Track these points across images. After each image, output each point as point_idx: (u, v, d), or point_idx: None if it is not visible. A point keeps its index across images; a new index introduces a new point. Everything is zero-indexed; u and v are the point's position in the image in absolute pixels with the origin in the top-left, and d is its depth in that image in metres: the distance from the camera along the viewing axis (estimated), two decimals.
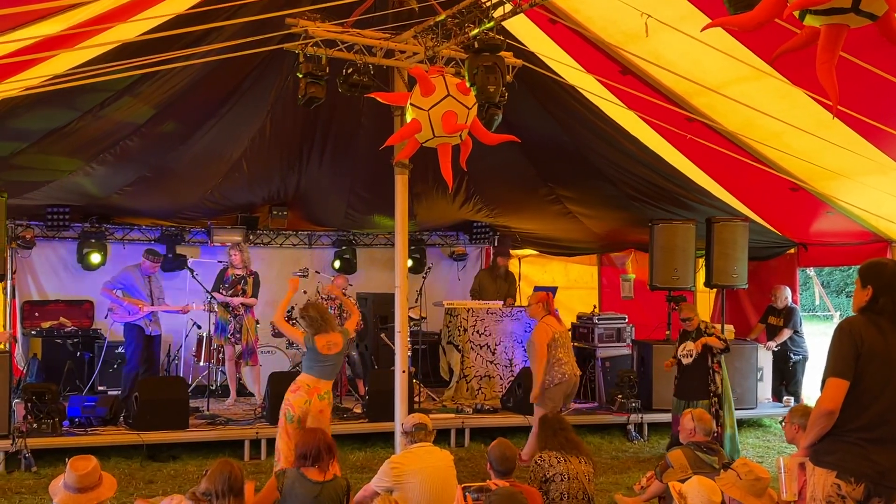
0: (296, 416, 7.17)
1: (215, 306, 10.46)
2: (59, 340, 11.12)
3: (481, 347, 11.30)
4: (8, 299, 11.17)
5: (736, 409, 10.52)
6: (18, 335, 11.25)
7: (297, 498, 5.33)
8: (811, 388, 11.66)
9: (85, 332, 11.11)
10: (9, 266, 10.57)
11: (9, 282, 10.92)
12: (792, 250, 11.99)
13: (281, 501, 5.37)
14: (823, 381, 4.37)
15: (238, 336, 10.53)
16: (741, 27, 4.18)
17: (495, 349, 11.34)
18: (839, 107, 3.95)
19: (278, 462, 7.23)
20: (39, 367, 10.89)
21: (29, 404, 8.71)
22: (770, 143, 8.58)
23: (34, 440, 8.43)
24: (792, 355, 11.52)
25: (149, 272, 10.53)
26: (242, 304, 10.50)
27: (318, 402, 7.27)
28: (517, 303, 12.26)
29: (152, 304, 10.42)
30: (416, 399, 10.05)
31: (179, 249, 12.30)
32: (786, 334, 11.35)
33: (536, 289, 12.34)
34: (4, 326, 10.90)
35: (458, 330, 11.35)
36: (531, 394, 8.76)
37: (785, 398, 11.32)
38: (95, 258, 11.65)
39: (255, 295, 10.71)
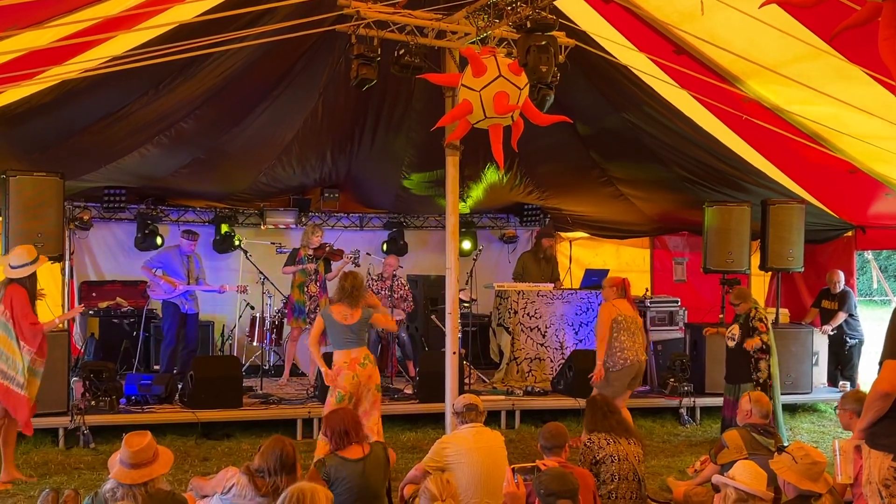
0: (346, 395, 7.31)
1: (290, 288, 10.68)
2: (115, 320, 11.32)
3: (531, 330, 11.27)
4: (66, 279, 11.38)
5: (791, 394, 10.45)
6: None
7: (345, 480, 5.37)
8: (867, 373, 11.47)
9: (141, 311, 11.29)
10: (67, 247, 10.78)
11: (67, 262, 11.13)
12: (849, 233, 11.80)
13: (331, 489, 5.41)
14: (881, 364, 4.30)
15: (314, 316, 10.68)
16: (799, 4, 4.11)
17: (546, 331, 11.31)
18: None
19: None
20: (97, 346, 11.11)
21: (87, 382, 8.89)
22: (828, 124, 8.42)
23: (92, 417, 8.61)
24: (848, 339, 11.35)
25: (187, 251, 10.70)
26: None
27: (362, 371, 7.40)
28: (562, 285, 12.21)
29: (189, 284, 10.59)
30: (467, 381, 10.05)
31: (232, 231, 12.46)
32: (841, 318, 11.19)
33: (587, 272, 12.28)
34: (62, 306, 11.10)
35: (509, 312, 11.33)
36: (593, 375, 8.53)
37: (841, 383, 11.16)
38: (159, 240, 11.85)
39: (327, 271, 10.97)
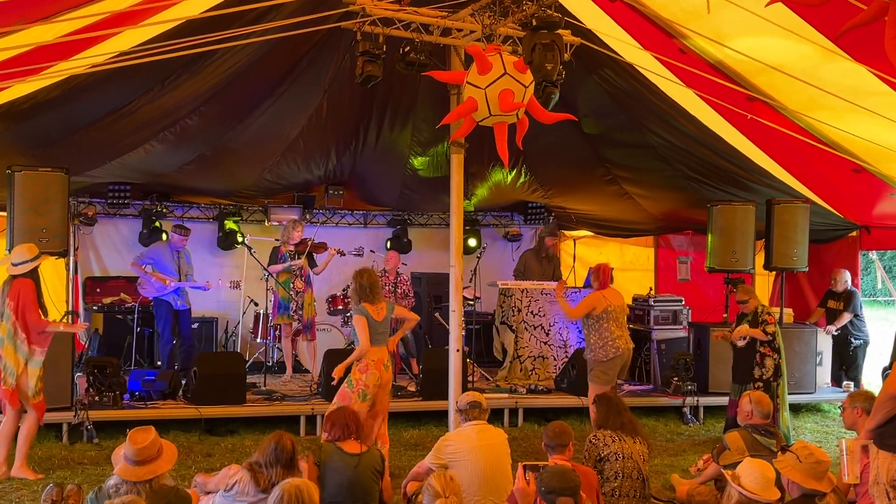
0: (370, 394, 7.23)
1: (274, 286, 10.57)
2: (119, 316, 11.32)
3: (535, 328, 11.27)
4: (70, 275, 11.37)
5: (794, 394, 10.43)
6: (80, 310, 11.48)
7: (336, 470, 5.43)
8: (871, 374, 11.45)
9: (145, 307, 11.28)
10: (71, 242, 10.78)
11: (71, 258, 11.12)
12: (854, 233, 11.77)
13: (320, 475, 5.43)
14: (890, 364, 4.30)
15: (301, 313, 10.63)
16: (805, 3, 4.09)
17: (549, 330, 11.31)
18: None
19: None
20: (101, 342, 11.12)
21: (91, 378, 8.92)
22: (833, 123, 8.40)
23: (96, 412, 8.62)
24: (852, 339, 11.32)
25: (178, 247, 10.70)
26: (301, 278, 10.68)
27: (385, 374, 7.36)
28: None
29: (179, 280, 10.58)
30: (470, 379, 10.07)
31: (235, 227, 12.46)
32: (845, 318, 11.16)
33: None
34: (67, 302, 11.11)
35: (512, 310, 11.33)
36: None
37: (844, 383, 11.12)
38: (164, 236, 11.83)
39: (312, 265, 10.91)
